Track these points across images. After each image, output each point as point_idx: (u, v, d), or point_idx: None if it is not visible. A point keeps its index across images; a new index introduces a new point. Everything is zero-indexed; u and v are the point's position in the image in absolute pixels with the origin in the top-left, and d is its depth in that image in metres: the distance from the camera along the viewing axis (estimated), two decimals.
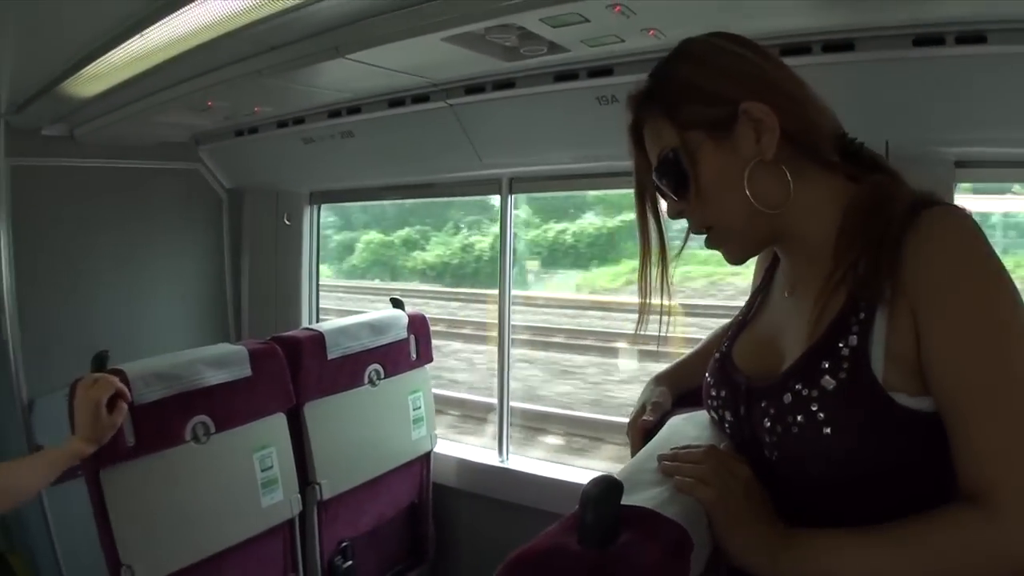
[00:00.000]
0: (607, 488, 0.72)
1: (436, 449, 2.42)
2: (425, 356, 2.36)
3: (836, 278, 0.79)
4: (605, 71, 1.83)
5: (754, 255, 0.95)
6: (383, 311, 2.33)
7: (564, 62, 1.85)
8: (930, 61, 1.61)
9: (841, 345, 0.77)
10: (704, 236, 0.92)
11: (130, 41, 1.83)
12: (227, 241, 3.12)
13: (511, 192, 2.32)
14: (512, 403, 2.47)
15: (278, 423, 1.97)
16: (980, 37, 1.55)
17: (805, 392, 0.77)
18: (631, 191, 0.96)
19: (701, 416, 1.04)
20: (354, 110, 2.28)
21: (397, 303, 2.36)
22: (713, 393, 0.95)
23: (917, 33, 1.58)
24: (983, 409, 0.71)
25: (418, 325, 2.33)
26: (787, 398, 0.79)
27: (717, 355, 0.99)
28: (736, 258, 0.91)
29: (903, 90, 1.61)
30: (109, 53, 1.88)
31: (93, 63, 1.95)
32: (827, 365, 0.77)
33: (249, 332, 3.05)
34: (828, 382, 0.76)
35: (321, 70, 1.96)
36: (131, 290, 2.88)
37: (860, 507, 0.78)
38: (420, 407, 2.34)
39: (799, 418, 0.77)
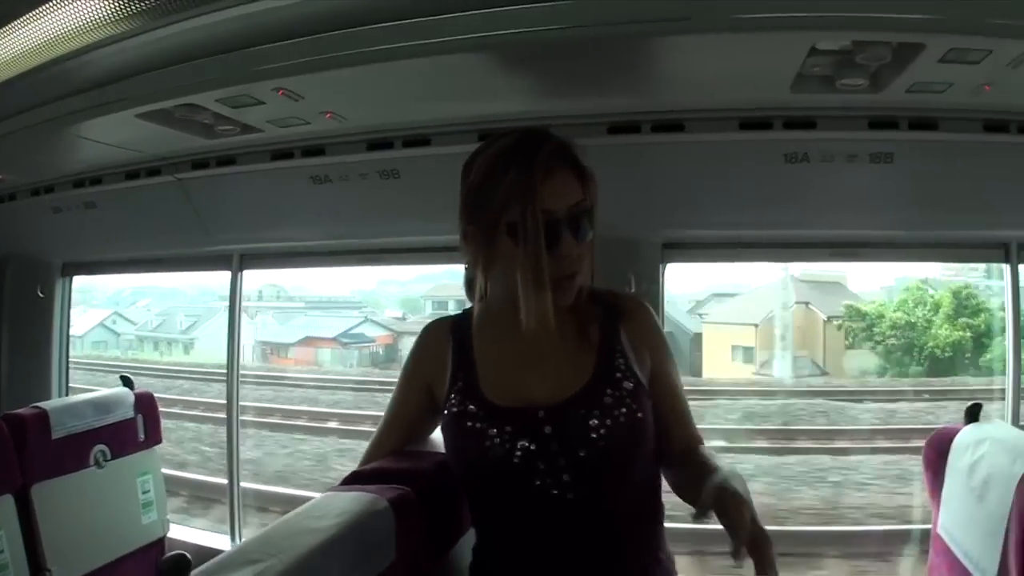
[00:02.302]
0: (172, 566, 0.77)
1: (171, 534, 2.28)
2: (154, 437, 2.24)
3: (586, 327, 1.15)
4: (318, 151, 1.87)
5: None
6: (109, 389, 2.23)
7: (280, 140, 1.88)
8: (631, 148, 1.70)
9: (620, 362, 1.13)
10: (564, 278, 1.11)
11: None
12: None
13: (242, 268, 2.30)
14: None
15: (6, 505, 1.84)
16: (677, 125, 1.67)
17: (617, 393, 1.10)
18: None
19: (349, 494, 1.07)
20: (96, 180, 2.23)
21: (127, 381, 2.25)
22: (492, 432, 1.10)
23: (612, 122, 1.69)
24: (682, 398, 1.21)
25: (146, 404, 2.22)
26: (607, 399, 1.10)
27: (471, 408, 1.12)
28: (571, 299, 1.13)
29: (608, 177, 1.72)
30: None
31: None
32: (619, 376, 1.12)
33: (5, 407, 2.84)
34: (627, 385, 1.11)
35: (42, 142, 1.93)
36: None
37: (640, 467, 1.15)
38: (149, 490, 2.21)
39: (623, 410, 1.09)
